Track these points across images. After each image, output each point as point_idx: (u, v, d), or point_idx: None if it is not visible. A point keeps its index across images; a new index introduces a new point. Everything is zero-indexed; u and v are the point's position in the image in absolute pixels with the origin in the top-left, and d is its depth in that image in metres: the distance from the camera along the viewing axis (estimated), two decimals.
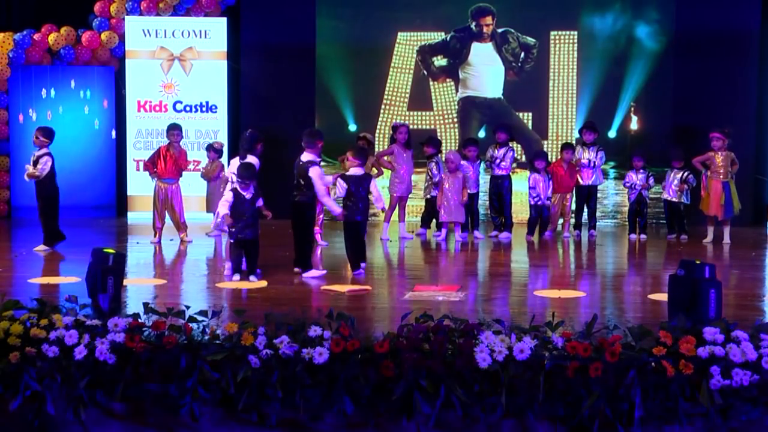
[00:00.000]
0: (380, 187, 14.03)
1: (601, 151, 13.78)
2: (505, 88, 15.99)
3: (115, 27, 15.95)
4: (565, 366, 5.72)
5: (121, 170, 16.04)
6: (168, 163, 12.64)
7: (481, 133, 15.85)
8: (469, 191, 13.02)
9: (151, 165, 12.75)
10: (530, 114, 15.98)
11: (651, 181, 13.62)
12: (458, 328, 6.01)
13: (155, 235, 12.63)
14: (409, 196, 13.62)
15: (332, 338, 5.94)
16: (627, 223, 14.39)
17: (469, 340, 5.86)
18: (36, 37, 15.65)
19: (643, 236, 13.42)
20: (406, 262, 11.52)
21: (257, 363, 5.90)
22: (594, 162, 13.68)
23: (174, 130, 12.86)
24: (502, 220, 13.50)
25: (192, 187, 14.23)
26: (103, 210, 15.77)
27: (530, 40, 15.92)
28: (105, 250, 7.32)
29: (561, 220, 13.81)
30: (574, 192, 13.84)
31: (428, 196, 13.58)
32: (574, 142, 14.85)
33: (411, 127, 14.93)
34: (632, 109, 15.67)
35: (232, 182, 10.18)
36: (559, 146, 14.31)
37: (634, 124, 15.69)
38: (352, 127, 15.88)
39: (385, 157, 13.56)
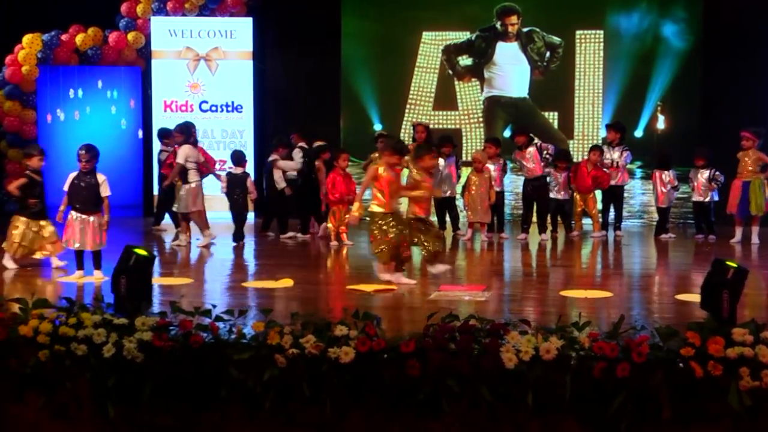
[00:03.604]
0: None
1: (627, 151, 13.70)
2: (531, 87, 15.95)
3: (142, 27, 16.03)
4: (591, 366, 5.69)
5: (147, 170, 16.12)
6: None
7: (506, 133, 15.82)
8: (495, 190, 13.00)
9: (170, 169, 12.73)
10: (556, 114, 15.93)
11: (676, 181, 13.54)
12: (484, 328, 5.99)
13: (185, 232, 12.68)
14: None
15: (358, 338, 5.94)
16: (654, 223, 14.30)
17: (495, 340, 5.84)
18: (64, 37, 15.76)
19: (672, 236, 13.38)
20: None
21: (284, 362, 5.91)
22: (619, 162, 13.61)
23: (193, 128, 12.85)
24: (540, 222, 13.37)
25: (216, 186, 14.23)
26: (130, 209, 15.85)
27: (556, 39, 15.87)
28: (135, 249, 7.37)
29: (589, 220, 13.74)
30: (595, 192, 13.75)
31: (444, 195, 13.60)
32: (600, 141, 14.79)
33: (436, 126, 14.95)
34: (659, 108, 15.59)
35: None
36: (584, 146, 14.26)
37: (660, 124, 15.61)
38: (377, 127, 15.89)
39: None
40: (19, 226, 10.42)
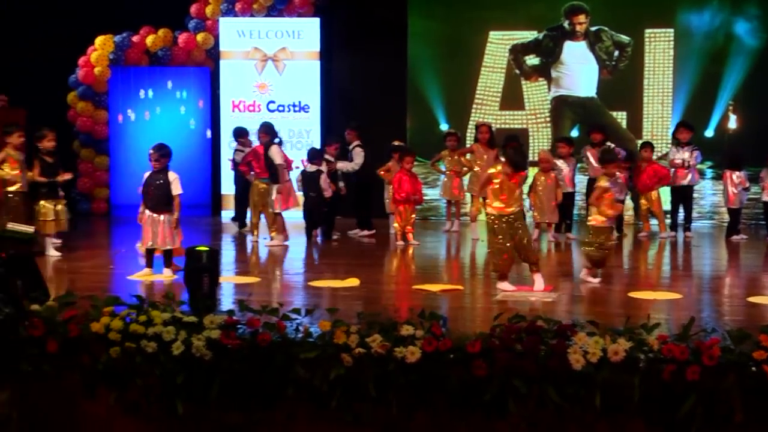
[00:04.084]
0: (464, 189, 14.04)
1: (697, 151, 13.49)
2: (599, 86, 15.81)
3: (211, 28, 16.21)
4: (661, 369, 5.62)
5: (216, 169, 16.29)
6: (263, 162, 12.70)
7: (574, 132, 15.69)
8: (564, 191, 12.90)
9: (247, 167, 12.84)
10: (624, 113, 15.77)
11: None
12: (551, 329, 5.95)
13: (252, 232, 12.79)
14: None
15: (424, 337, 5.93)
16: (725, 224, 14.08)
17: (563, 341, 5.80)
18: (135, 39, 16.00)
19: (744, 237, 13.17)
20: None
21: (350, 362, 5.93)
22: (689, 162, 13.41)
23: (258, 130, 12.92)
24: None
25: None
26: (199, 209, 16.02)
27: (624, 38, 15.70)
28: (198, 248, 7.44)
29: (655, 221, 13.58)
30: (660, 191, 13.55)
31: None
32: (669, 141, 14.59)
33: (503, 126, 14.88)
34: (730, 107, 15.34)
35: None
36: (654, 145, 14.10)
37: (732, 123, 15.36)
38: (443, 127, 15.87)
39: (467, 155, 13.55)
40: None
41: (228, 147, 15.83)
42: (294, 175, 13.01)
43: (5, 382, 5.44)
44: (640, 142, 15.40)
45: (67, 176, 11.86)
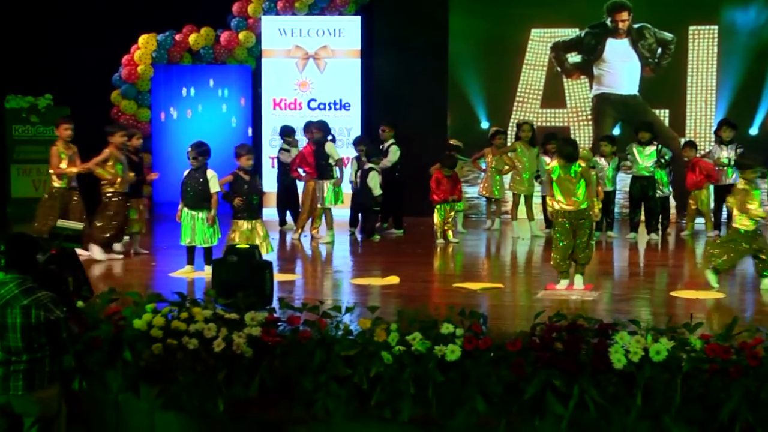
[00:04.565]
0: (504, 185, 14.00)
1: (740, 149, 13.34)
2: (641, 84, 15.67)
3: (253, 27, 16.28)
4: (703, 369, 5.57)
5: (257, 167, 16.33)
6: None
7: (616, 131, 15.56)
8: (604, 189, 12.81)
9: (297, 173, 12.88)
10: (667, 111, 15.62)
11: None
12: (592, 328, 5.93)
13: (297, 231, 12.83)
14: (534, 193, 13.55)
15: (464, 336, 5.93)
16: None
17: (604, 341, 5.77)
18: (177, 37, 16.11)
19: None
20: (537, 261, 11.41)
21: (390, 359, 5.94)
22: (732, 161, 13.25)
23: (312, 126, 12.97)
24: (652, 222, 13.09)
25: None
26: None
27: (667, 35, 15.55)
28: (239, 246, 7.50)
29: (700, 220, 13.43)
30: (709, 190, 13.42)
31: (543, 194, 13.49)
32: (712, 139, 14.44)
33: (544, 124, 14.80)
34: None
35: None
36: (697, 144, 13.96)
37: None
38: (484, 125, 15.81)
39: (509, 154, 13.50)
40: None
41: (269, 145, 15.88)
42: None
43: (55, 378, 5.50)
44: (682, 140, 15.29)
45: (154, 176, 11.99)
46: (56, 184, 11.03)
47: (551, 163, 9.35)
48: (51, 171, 11.04)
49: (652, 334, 5.78)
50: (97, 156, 10.94)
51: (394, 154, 13.44)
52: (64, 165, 11.01)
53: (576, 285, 8.88)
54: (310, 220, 12.90)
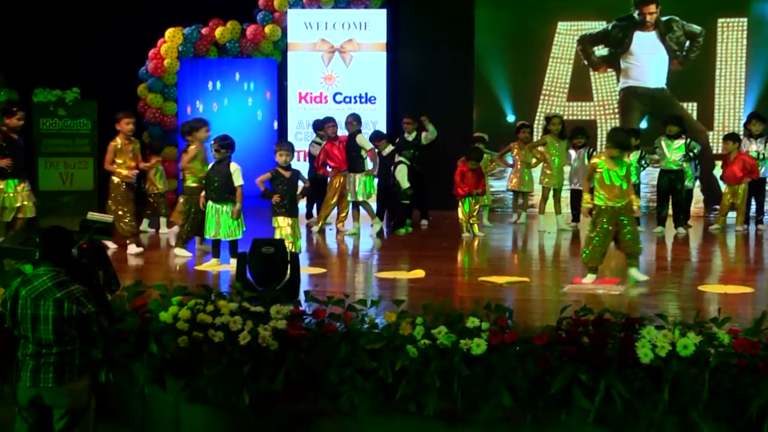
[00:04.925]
0: (533, 179, 13.96)
1: None
2: (669, 77, 15.57)
3: (278, 20, 16.30)
4: (732, 364, 5.53)
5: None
6: (341, 153, 12.72)
7: (643, 124, 15.48)
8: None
9: (324, 168, 12.89)
10: (695, 104, 15.51)
11: None
12: (619, 322, 5.89)
13: (318, 223, 12.83)
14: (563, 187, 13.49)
15: (490, 329, 5.92)
16: None
17: (631, 335, 5.74)
18: (204, 31, 16.15)
19: None
20: (564, 255, 11.37)
21: (415, 353, 5.93)
22: (763, 154, 13.14)
23: (329, 122, 12.96)
24: (680, 216, 12.99)
25: None
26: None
27: (696, 27, 15.43)
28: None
29: (732, 214, 13.32)
30: (745, 185, 13.29)
31: (572, 187, 13.43)
32: (741, 132, 14.32)
33: (570, 117, 14.74)
34: None
35: None
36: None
37: None
38: (510, 118, 15.77)
39: (539, 148, 13.45)
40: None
41: (295, 138, 15.88)
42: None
43: (84, 371, 5.54)
44: (711, 133, 15.19)
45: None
46: (116, 179, 10.86)
47: (595, 158, 9.28)
48: (106, 167, 10.89)
49: (679, 328, 5.75)
50: (186, 154, 10.91)
51: (432, 132, 13.37)
52: (120, 160, 10.84)
53: (635, 276, 8.84)
54: (336, 212, 12.91)
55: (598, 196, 8.85)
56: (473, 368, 5.86)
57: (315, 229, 12.79)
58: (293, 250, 9.15)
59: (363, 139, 12.60)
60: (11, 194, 10.40)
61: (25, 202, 10.50)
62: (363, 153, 12.56)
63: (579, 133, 13.46)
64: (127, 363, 6.47)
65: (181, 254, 10.44)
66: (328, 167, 12.83)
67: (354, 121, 12.70)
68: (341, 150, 12.70)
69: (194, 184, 10.69)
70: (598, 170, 8.85)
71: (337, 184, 12.68)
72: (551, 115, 13.70)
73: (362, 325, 6.22)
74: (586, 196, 9.16)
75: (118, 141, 10.91)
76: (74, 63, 15.99)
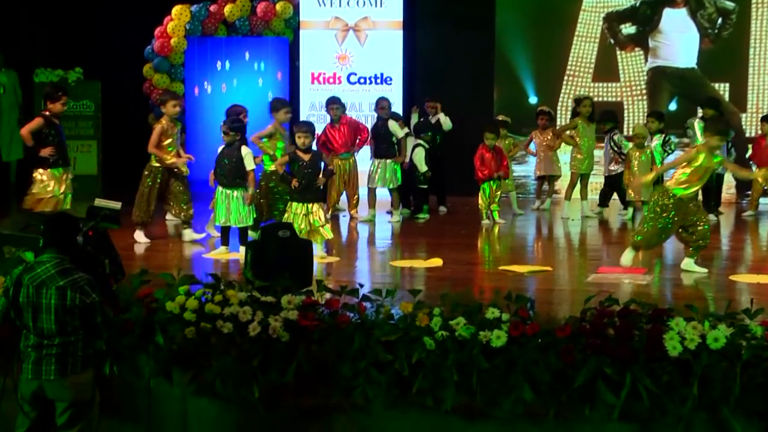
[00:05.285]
0: (561, 163, 13.97)
1: None
2: (700, 56, 15.48)
3: None
4: (764, 357, 5.52)
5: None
6: (341, 137, 12.71)
7: (672, 106, 15.42)
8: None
9: (326, 151, 12.84)
10: (727, 84, 15.42)
11: None
12: (646, 314, 5.89)
13: (328, 211, 12.80)
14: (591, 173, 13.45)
15: (511, 321, 5.92)
16: None
17: (658, 327, 5.73)
18: (212, 8, 16.14)
19: None
20: (589, 243, 11.36)
21: (432, 345, 5.94)
22: None
23: (333, 104, 12.91)
24: (711, 203, 12.95)
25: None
26: None
27: (729, 4, 15.34)
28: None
29: (765, 200, 13.27)
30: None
31: (608, 173, 13.36)
32: None
33: (596, 99, 14.69)
34: None
35: None
36: (759, 119, 13.77)
37: None
38: (533, 100, 15.72)
39: (567, 132, 13.41)
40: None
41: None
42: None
43: (88, 363, 5.57)
44: (743, 115, 15.11)
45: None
46: (154, 163, 10.78)
47: (692, 150, 9.26)
48: (149, 150, 10.73)
49: (709, 320, 5.74)
50: (261, 131, 10.90)
51: (445, 124, 13.47)
52: (165, 143, 10.73)
53: (693, 269, 8.87)
54: (345, 199, 12.89)
55: (682, 184, 8.82)
56: (493, 361, 5.87)
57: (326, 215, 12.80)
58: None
59: (395, 126, 12.70)
60: (54, 184, 10.39)
61: (67, 193, 10.51)
62: (394, 139, 12.60)
63: (608, 119, 13.36)
64: (132, 355, 6.50)
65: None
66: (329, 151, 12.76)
67: (388, 105, 12.83)
68: (343, 134, 12.68)
69: (157, 165, 10.76)
70: (697, 160, 8.81)
71: (338, 169, 12.62)
72: (581, 97, 13.63)
73: (377, 316, 6.23)
74: (672, 182, 9.02)
75: (164, 123, 10.81)
76: (77, 42, 16.01)
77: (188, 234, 10.79)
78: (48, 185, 10.35)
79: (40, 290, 5.37)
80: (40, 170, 10.38)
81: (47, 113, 10.40)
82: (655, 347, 5.63)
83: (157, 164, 10.75)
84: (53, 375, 5.42)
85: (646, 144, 12.60)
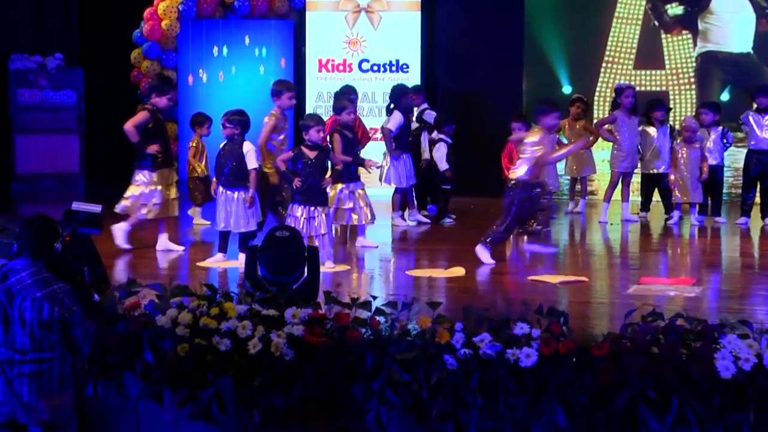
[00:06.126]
0: (600, 160, 13.96)
1: None
2: (756, 40, 15.47)
3: None
4: None
5: (299, 138, 16.40)
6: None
7: (724, 96, 15.40)
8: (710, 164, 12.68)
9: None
10: None
11: None
12: (694, 330, 5.89)
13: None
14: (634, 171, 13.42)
15: (542, 337, 5.92)
16: None
17: (708, 344, 5.73)
18: None
19: None
20: (630, 250, 11.34)
21: (454, 364, 5.94)
22: None
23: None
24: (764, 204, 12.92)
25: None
26: None
27: None
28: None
29: None
30: None
31: (651, 171, 13.33)
32: None
33: (638, 89, 14.68)
34: None
35: None
36: None
37: None
38: (567, 89, 15.72)
39: (606, 126, 13.39)
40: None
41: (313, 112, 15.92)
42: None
43: (66, 383, 5.58)
44: None
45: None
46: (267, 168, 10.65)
47: None
48: (260, 146, 10.53)
49: (767, 337, 5.73)
50: (263, 132, 10.74)
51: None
52: (281, 138, 10.78)
53: None
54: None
55: None
56: (522, 382, 5.87)
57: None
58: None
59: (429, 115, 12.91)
60: (161, 187, 10.43)
61: (174, 197, 10.61)
62: None
63: (658, 106, 13.31)
64: (118, 374, 6.52)
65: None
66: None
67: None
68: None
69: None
70: None
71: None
72: (623, 86, 13.56)
73: (392, 332, 6.23)
74: None
75: (277, 115, 10.71)
76: (57, 25, 16.09)
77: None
78: (154, 188, 10.40)
79: (12, 302, 5.38)
80: (145, 171, 10.40)
81: (151, 107, 10.49)
82: (705, 368, 5.63)
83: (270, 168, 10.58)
84: (26, 396, 5.42)
85: (695, 138, 12.59)
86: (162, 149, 10.40)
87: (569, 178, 14.33)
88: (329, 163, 10.02)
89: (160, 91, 10.51)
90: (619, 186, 13.28)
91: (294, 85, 11.66)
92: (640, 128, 13.22)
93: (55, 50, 15.76)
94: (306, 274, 7.34)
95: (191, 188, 12.64)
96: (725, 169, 13.48)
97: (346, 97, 11.34)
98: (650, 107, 13.27)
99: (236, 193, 9.84)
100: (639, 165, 13.36)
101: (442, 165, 12.76)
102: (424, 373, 6.00)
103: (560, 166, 14.59)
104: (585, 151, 13.81)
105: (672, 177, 12.72)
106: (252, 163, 9.82)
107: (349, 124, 10.83)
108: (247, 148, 9.84)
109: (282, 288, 6.79)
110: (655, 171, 13.12)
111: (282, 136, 10.83)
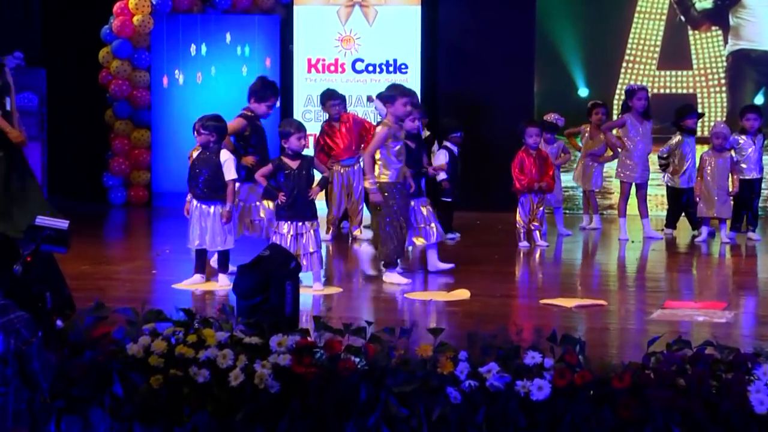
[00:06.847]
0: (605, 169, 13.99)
1: None
2: None
3: None
4: None
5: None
6: (343, 139, 12.73)
7: (759, 99, 15.45)
8: (743, 177, 12.69)
9: (324, 156, 12.78)
10: None
11: None
12: (725, 359, 5.88)
13: (328, 231, 12.83)
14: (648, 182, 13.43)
15: (555, 368, 5.91)
16: None
17: (741, 376, 5.73)
18: None
19: None
20: (653, 270, 11.35)
21: (458, 397, 5.94)
22: None
23: (332, 99, 12.87)
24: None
25: None
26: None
27: None
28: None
29: None
30: None
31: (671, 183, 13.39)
32: None
33: (662, 91, 14.72)
34: None
35: None
36: None
37: None
38: (583, 92, 15.77)
39: (615, 132, 13.41)
40: None
41: (302, 118, 15.90)
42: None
43: (22, 422, 5.57)
44: None
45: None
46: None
47: None
48: (365, 158, 10.41)
49: None
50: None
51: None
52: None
53: None
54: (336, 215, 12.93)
55: None
56: (533, 417, 5.87)
57: (325, 236, 12.80)
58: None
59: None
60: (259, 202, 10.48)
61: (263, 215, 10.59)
62: None
63: (689, 112, 13.32)
64: (84, 409, 6.51)
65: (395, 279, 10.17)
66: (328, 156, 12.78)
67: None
68: (344, 135, 12.66)
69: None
70: None
71: (339, 179, 12.63)
72: (635, 87, 13.59)
73: (389, 362, 6.23)
74: None
75: (390, 124, 10.11)
76: (16, 20, 16.11)
77: None
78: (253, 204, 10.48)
79: None
80: (250, 185, 10.44)
81: (249, 113, 10.51)
82: (737, 402, 5.63)
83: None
84: None
85: (726, 146, 12.63)
86: (258, 162, 10.39)
87: (582, 190, 14.37)
88: (313, 170, 9.98)
89: (259, 97, 10.62)
90: (633, 200, 13.24)
91: (411, 90, 11.16)
92: (677, 138, 13.22)
93: (14, 48, 15.75)
94: (271, 300, 7.30)
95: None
96: (762, 181, 13.46)
97: (408, 101, 10.26)
98: (681, 114, 13.25)
99: (212, 207, 9.79)
100: (665, 178, 13.41)
101: (440, 175, 12.75)
102: (424, 407, 5.99)
103: (566, 178, 14.65)
104: (592, 164, 13.85)
105: (697, 188, 12.74)
106: (230, 173, 9.77)
107: (411, 132, 10.84)
108: (225, 157, 9.80)
109: (249, 314, 6.81)
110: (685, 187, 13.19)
111: (398, 147, 10.20)
